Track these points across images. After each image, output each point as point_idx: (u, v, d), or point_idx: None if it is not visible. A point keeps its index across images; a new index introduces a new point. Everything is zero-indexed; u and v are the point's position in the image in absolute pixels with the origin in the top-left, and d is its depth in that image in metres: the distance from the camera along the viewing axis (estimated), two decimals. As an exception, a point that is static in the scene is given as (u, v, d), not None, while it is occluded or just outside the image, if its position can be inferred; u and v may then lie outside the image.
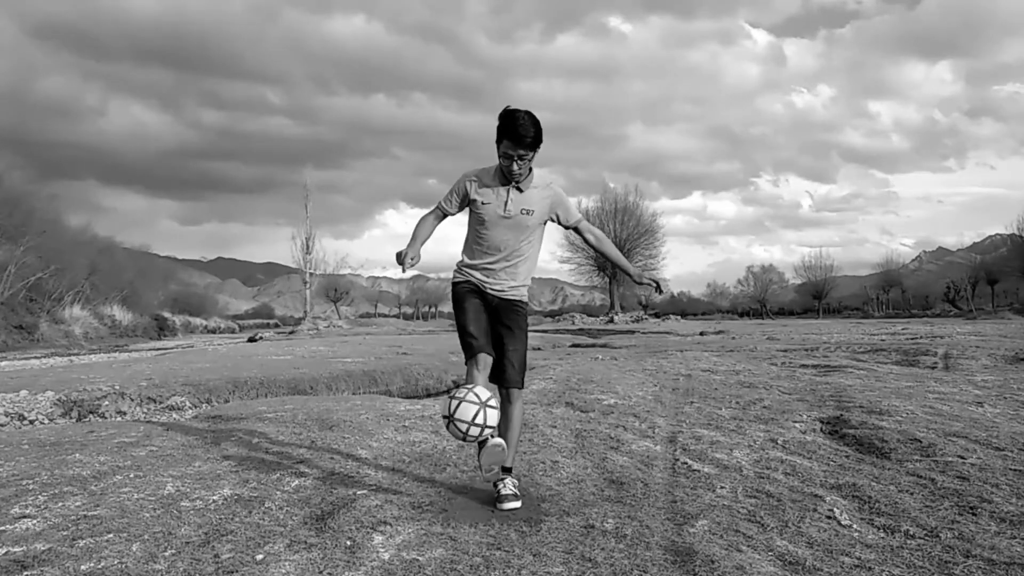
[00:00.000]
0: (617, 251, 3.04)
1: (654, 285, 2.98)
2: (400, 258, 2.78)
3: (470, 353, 2.74)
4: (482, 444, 2.59)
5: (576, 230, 2.95)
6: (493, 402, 2.56)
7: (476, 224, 2.83)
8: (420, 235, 2.87)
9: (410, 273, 2.75)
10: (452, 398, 2.54)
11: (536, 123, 2.61)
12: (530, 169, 2.76)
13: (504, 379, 2.79)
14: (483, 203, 2.76)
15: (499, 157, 2.68)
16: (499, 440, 2.59)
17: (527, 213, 2.76)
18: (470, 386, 2.58)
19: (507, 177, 2.72)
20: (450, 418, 2.50)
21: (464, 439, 2.52)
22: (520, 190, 2.75)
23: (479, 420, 2.49)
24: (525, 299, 2.92)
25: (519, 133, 2.57)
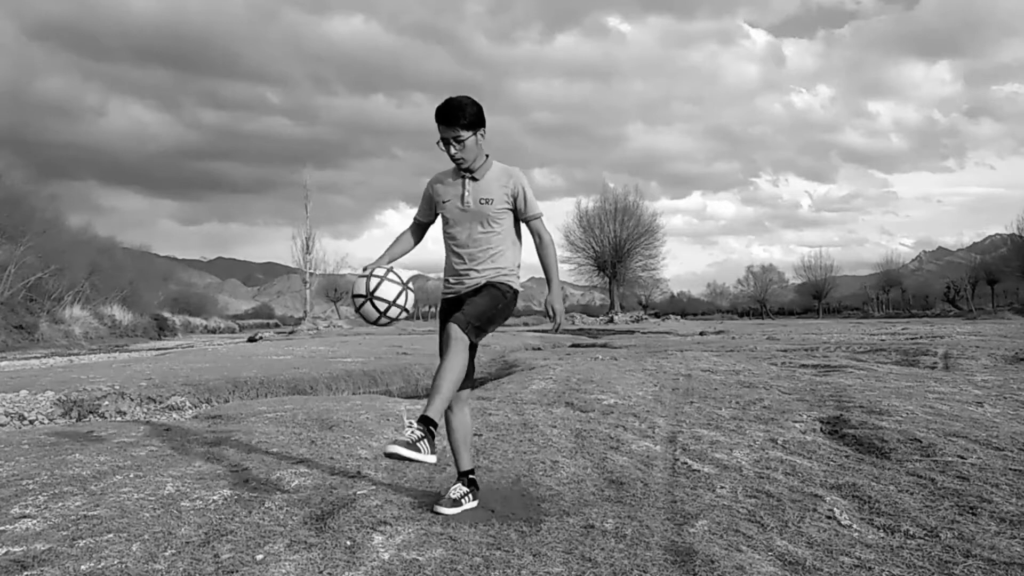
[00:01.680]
0: (554, 265, 2.81)
1: (551, 313, 2.76)
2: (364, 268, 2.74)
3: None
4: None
5: (528, 225, 2.80)
6: (413, 284, 2.66)
7: (444, 226, 2.80)
8: (389, 251, 2.85)
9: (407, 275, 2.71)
10: (372, 276, 2.59)
11: (468, 103, 2.58)
12: (487, 156, 2.71)
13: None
14: (443, 201, 2.73)
15: (438, 144, 2.64)
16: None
17: (486, 202, 2.69)
18: (389, 266, 2.67)
19: (458, 167, 2.69)
20: (368, 297, 2.55)
21: (377, 321, 2.60)
22: (476, 179, 2.69)
23: (400, 301, 2.59)
24: (504, 278, 2.72)
25: (445, 114, 2.56)
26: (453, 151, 2.62)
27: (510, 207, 2.74)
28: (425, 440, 2.23)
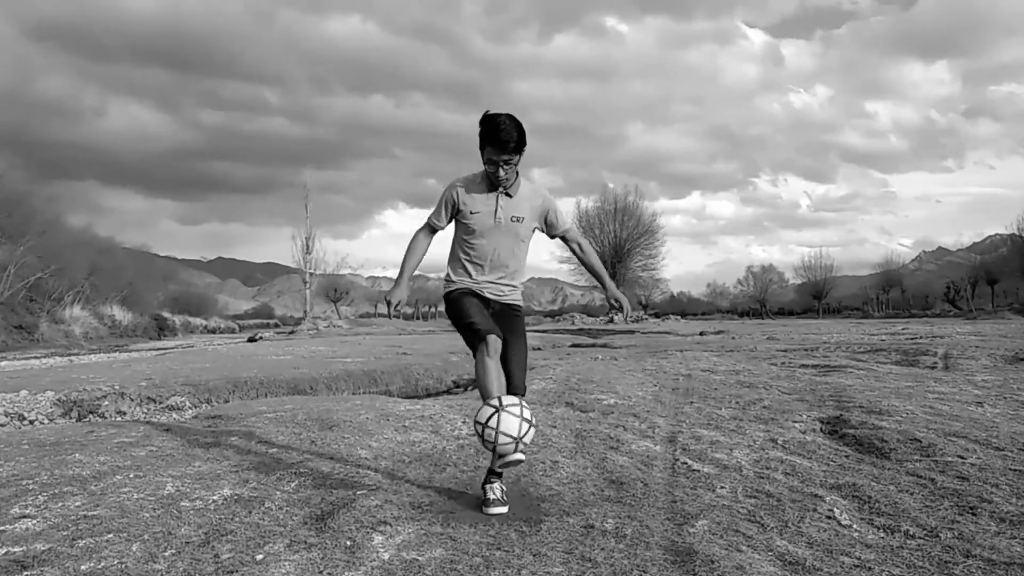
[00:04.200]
0: (601, 265, 2.94)
1: (618, 305, 2.88)
2: (388, 302, 2.75)
3: (478, 336, 2.57)
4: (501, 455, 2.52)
5: (564, 238, 2.87)
6: (535, 420, 2.56)
7: (465, 234, 2.77)
8: (407, 268, 2.81)
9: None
10: (500, 410, 2.41)
11: (518, 126, 2.56)
12: (517, 173, 2.71)
13: (511, 387, 2.71)
14: (472, 212, 2.71)
15: (484, 163, 2.63)
16: (522, 456, 2.51)
17: (517, 220, 2.71)
18: (516, 400, 2.47)
19: (494, 183, 2.68)
20: (496, 430, 2.39)
21: (493, 448, 2.45)
22: (509, 196, 2.71)
23: (527, 439, 2.43)
24: (521, 302, 2.90)
25: (501, 139, 2.53)
26: (503, 174, 2.61)
27: (537, 226, 2.82)
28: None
